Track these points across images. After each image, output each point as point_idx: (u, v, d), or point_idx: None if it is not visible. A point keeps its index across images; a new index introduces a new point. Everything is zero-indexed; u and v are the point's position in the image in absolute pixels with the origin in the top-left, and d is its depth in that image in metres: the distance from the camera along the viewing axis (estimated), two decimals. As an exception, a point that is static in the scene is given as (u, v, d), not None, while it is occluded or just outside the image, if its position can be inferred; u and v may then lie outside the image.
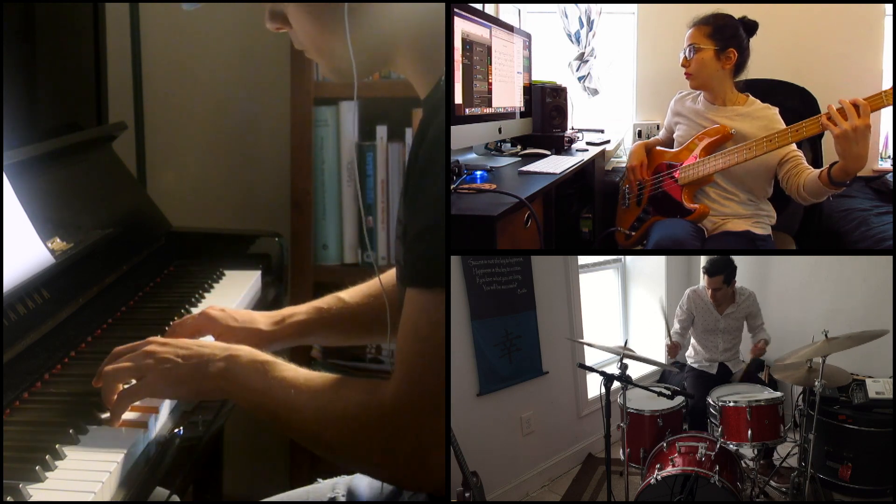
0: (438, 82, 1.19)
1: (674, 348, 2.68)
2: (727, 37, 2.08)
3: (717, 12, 2.12)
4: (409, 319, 1.11)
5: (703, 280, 2.66)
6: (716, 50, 2.08)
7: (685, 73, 2.12)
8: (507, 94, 2.52)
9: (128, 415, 1.25)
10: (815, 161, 2.34)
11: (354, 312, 1.54)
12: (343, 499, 1.46)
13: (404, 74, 1.25)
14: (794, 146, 2.05)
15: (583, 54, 3.25)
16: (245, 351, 1.24)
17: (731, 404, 2.22)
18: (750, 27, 2.11)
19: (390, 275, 1.50)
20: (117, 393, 1.23)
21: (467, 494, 1.88)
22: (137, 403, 1.26)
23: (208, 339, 1.47)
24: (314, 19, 1.19)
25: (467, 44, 2.11)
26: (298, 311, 1.54)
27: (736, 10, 2.14)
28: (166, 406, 1.33)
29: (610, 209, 2.48)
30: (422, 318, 1.09)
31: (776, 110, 2.11)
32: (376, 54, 1.22)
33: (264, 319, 1.52)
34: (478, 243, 1.55)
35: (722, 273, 2.56)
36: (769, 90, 2.30)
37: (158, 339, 1.30)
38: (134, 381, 1.25)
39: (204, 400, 1.36)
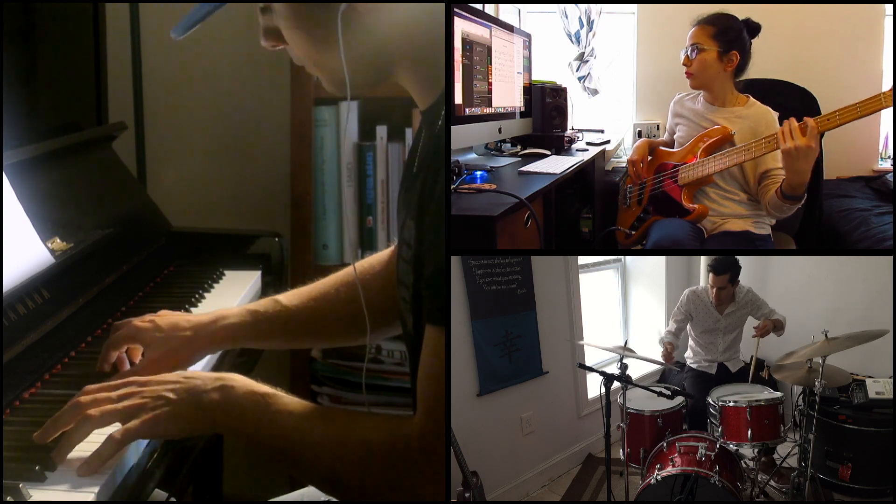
0: (440, 94, 1.16)
1: (669, 352, 2.68)
2: (731, 39, 2.07)
3: (721, 13, 2.11)
4: (434, 358, 1.07)
5: (703, 279, 2.66)
6: (719, 52, 2.07)
7: (686, 73, 2.12)
8: (507, 94, 2.52)
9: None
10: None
11: (291, 316, 1.47)
12: None
13: (404, 85, 1.21)
14: (780, 162, 2.04)
15: (583, 54, 3.25)
16: (239, 381, 1.18)
17: (731, 404, 2.22)
18: (753, 29, 2.11)
19: (363, 269, 1.49)
20: (109, 438, 1.12)
21: (467, 494, 1.88)
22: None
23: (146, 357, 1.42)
24: (307, 34, 1.15)
25: (467, 44, 2.11)
26: (230, 314, 1.46)
27: (736, 11, 2.14)
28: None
29: (610, 209, 2.48)
30: (444, 355, 1.07)
31: (776, 115, 2.10)
32: (375, 66, 1.18)
33: (190, 325, 1.43)
34: (478, 243, 1.54)
35: (728, 272, 2.55)
36: (769, 90, 2.29)
37: (138, 377, 1.22)
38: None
39: (197, 434, 1.24)
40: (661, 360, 2.68)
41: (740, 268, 2.58)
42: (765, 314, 2.63)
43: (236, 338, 1.46)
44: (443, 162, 1.11)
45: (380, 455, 1.08)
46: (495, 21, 2.45)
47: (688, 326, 2.72)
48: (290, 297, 1.50)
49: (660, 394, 2.12)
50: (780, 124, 2.06)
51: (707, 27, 2.09)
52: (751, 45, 2.11)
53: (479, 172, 1.95)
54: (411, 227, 1.14)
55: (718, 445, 2.00)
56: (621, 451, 2.20)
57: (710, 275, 2.60)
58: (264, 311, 1.47)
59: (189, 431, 1.18)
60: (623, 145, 3.19)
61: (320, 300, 1.48)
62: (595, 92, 3.32)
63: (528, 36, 2.86)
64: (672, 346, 2.68)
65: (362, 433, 1.11)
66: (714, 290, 2.60)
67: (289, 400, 1.15)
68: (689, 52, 2.10)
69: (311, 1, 1.13)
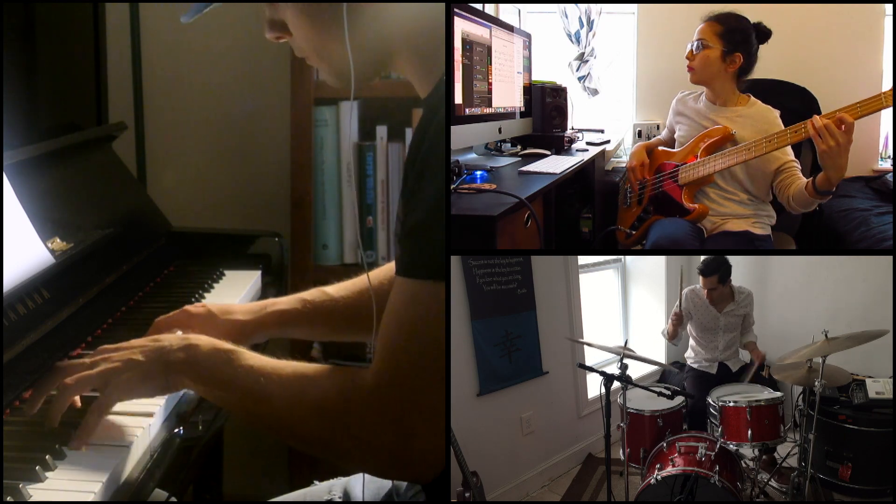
0: (439, 82, 1.18)
1: (676, 323, 2.68)
2: (737, 40, 2.07)
3: (733, 13, 2.11)
4: (394, 308, 1.09)
5: (699, 281, 2.66)
6: (723, 51, 2.07)
7: (688, 66, 2.12)
8: (507, 94, 2.52)
9: (122, 419, 1.23)
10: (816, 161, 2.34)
11: (338, 306, 1.52)
12: (339, 499, 1.46)
13: (405, 75, 1.24)
14: (791, 155, 2.05)
15: (583, 54, 3.25)
16: (204, 340, 1.22)
17: (731, 404, 2.22)
18: (763, 34, 2.10)
19: (379, 271, 1.50)
20: (91, 408, 1.18)
21: (467, 494, 1.88)
22: (132, 408, 1.24)
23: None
24: (313, 23, 1.19)
25: (467, 44, 2.11)
26: (280, 301, 1.53)
27: (736, 11, 2.14)
28: (161, 408, 1.32)
29: (610, 209, 2.48)
30: (407, 307, 1.07)
31: (777, 113, 2.10)
32: (376, 56, 1.22)
33: (242, 310, 1.51)
34: (478, 243, 1.55)
35: (716, 273, 2.57)
36: (770, 90, 2.29)
37: (108, 346, 1.27)
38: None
39: (170, 393, 1.30)
40: (661, 360, 2.68)
41: (730, 266, 2.58)
42: (748, 325, 2.66)
43: (285, 324, 1.51)
44: (428, 137, 1.11)
45: (332, 405, 1.10)
46: (495, 21, 2.45)
47: (688, 326, 2.72)
48: (337, 289, 1.55)
49: (660, 394, 2.12)
50: (783, 122, 2.07)
51: (715, 24, 2.09)
52: (757, 49, 2.10)
53: (479, 172, 1.95)
54: (399, 202, 1.16)
55: (718, 445, 2.00)
56: (621, 451, 2.20)
57: (700, 277, 2.61)
58: (312, 299, 1.53)
59: (161, 390, 1.23)
60: (623, 145, 3.19)
61: (366, 292, 1.50)
62: (595, 92, 3.32)
63: (528, 36, 2.86)
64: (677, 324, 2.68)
65: (318, 385, 1.13)
66: (706, 291, 2.61)
67: (250, 356, 1.19)
68: (693, 47, 2.10)
69: (318, 0, 1.16)
